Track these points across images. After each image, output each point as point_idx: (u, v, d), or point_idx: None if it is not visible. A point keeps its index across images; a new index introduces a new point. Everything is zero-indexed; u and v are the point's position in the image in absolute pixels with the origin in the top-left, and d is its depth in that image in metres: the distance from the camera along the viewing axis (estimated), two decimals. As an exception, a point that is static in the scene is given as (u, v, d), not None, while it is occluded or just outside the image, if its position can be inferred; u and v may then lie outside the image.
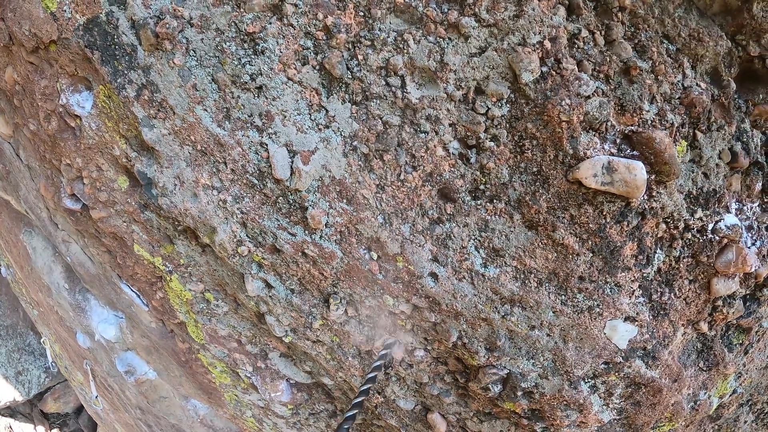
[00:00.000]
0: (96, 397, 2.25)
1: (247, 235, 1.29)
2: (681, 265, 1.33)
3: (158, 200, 1.33)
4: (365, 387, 1.26)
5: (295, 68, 1.14)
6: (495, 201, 1.17)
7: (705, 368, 1.61)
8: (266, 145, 1.18)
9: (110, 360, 1.96)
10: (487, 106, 1.11)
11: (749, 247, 1.40)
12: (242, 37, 1.15)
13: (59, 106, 1.35)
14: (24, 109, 1.45)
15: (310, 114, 1.16)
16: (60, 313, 1.97)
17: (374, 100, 1.13)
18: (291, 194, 1.21)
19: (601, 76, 1.11)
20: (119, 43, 1.21)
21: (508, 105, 1.11)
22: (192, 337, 1.67)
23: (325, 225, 1.22)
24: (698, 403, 1.70)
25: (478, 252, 1.21)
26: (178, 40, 1.17)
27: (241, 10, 1.13)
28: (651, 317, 1.36)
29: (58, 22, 1.24)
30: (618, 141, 1.16)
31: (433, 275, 1.24)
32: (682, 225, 1.27)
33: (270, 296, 1.39)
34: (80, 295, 1.85)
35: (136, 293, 1.68)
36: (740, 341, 1.63)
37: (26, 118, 1.45)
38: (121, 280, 1.68)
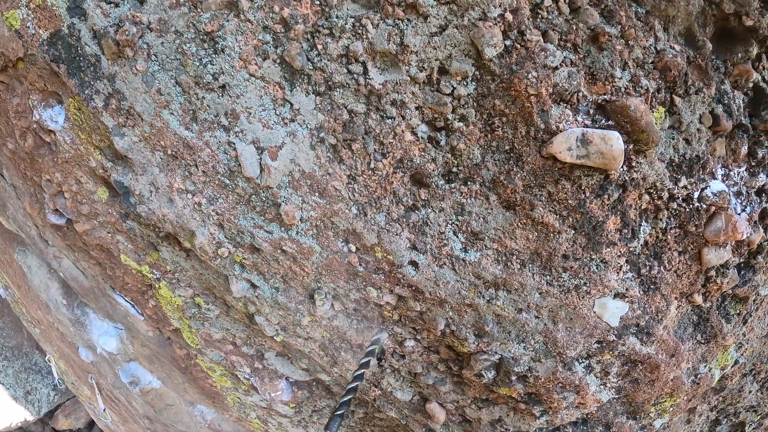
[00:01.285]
0: (104, 410, 2.21)
1: (225, 237, 1.23)
2: (669, 237, 1.24)
3: (137, 208, 1.27)
4: (352, 385, 1.20)
5: (256, 64, 1.08)
6: (469, 183, 1.10)
7: (703, 341, 1.52)
8: (234, 144, 1.12)
9: (114, 372, 1.91)
10: (452, 86, 1.04)
11: (739, 214, 1.31)
12: (201, 37, 1.09)
13: (33, 122, 1.31)
14: (0, 128, 1.40)
15: (274, 109, 1.09)
16: (61, 330, 1.93)
17: (337, 90, 1.06)
18: (263, 192, 1.15)
19: (569, 45, 1.03)
20: (83, 54, 1.16)
21: (473, 83, 1.04)
22: (188, 342, 1.62)
23: (300, 220, 1.16)
24: (699, 376, 1.60)
25: (457, 236, 1.14)
26: (138, 46, 1.12)
27: (198, 10, 1.08)
28: (641, 292, 1.28)
29: (23, 39, 1.20)
30: (591, 112, 1.08)
31: (413, 263, 1.17)
32: (666, 195, 1.19)
33: (256, 296, 1.33)
34: (79, 309, 1.80)
35: (130, 303, 1.63)
36: (737, 311, 1.53)
37: (4, 137, 1.41)
38: (114, 292, 1.63)
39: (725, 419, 2.07)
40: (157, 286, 1.47)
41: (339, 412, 1.15)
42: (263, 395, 1.70)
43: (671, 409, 1.65)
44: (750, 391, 1.96)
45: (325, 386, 1.68)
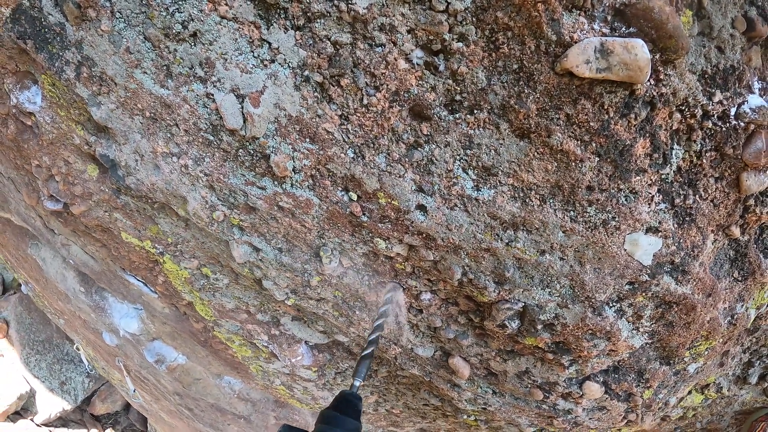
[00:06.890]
0: (134, 391, 2.13)
1: (218, 199, 1.08)
2: (704, 161, 1.03)
3: (126, 181, 1.13)
4: (378, 322, 1.05)
5: (227, 4, 0.91)
6: (476, 111, 0.91)
7: (740, 278, 1.30)
8: (212, 95, 0.96)
9: (139, 352, 1.81)
10: (447, 1, 0.84)
11: (780, 132, 1.08)
12: (166, -19, 0.92)
13: (12, 107, 1.17)
14: (-17, 114, 1.27)
15: (252, 51, 0.92)
16: (83, 317, 1.84)
17: (318, 20, 0.88)
18: (249, 144, 0.99)
19: (579, -62, 0.82)
20: (47, 24, 1.01)
21: (471, -6, 0.84)
22: (202, 315, 1.49)
23: (293, 171, 0.99)
24: (735, 317, 1.40)
25: (467, 173, 0.96)
26: (101, 5, 0.96)
27: (158, -52, 0.90)
28: (676, 225, 1.08)
29: (-14, 20, 1.05)
30: (609, 18, 0.87)
31: (421, 208, 1.00)
32: (699, 112, 0.98)
33: (260, 260, 1.18)
34: (97, 295, 1.69)
35: (142, 282, 1.51)
36: (776, 243, 1.31)
37: (-11, 123, 1.28)
38: (125, 272, 1.51)
39: (758, 361, 1.86)
40: (161, 260, 1.33)
41: (367, 352, 1.00)
42: (284, 361, 1.57)
43: (706, 352, 1.45)
44: (786, 330, 1.75)
45: (345, 348, 1.54)
